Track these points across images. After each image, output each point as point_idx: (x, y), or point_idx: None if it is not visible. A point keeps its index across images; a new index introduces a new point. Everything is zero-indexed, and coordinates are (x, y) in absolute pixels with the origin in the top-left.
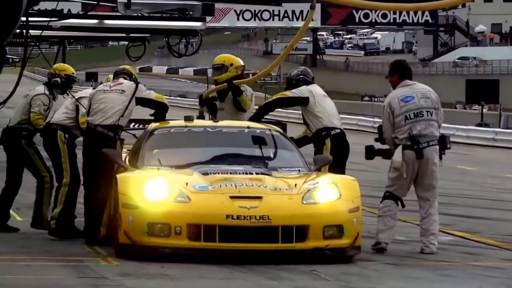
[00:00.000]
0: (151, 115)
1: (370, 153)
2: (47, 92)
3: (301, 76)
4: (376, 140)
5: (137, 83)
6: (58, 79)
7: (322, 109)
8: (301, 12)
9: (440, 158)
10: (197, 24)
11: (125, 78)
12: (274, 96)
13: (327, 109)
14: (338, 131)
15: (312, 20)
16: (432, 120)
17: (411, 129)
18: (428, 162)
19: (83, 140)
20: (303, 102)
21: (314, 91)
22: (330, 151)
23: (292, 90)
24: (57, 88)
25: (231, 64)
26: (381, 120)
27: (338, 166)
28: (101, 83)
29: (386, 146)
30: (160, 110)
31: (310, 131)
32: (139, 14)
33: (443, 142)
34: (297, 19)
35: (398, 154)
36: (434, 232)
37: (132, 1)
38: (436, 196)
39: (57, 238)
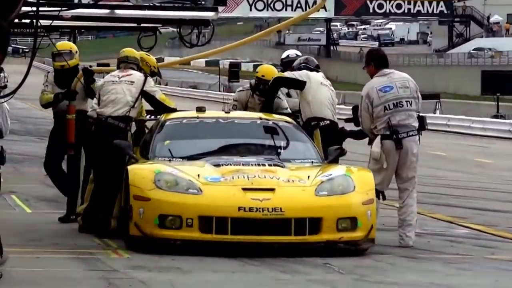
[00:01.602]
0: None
1: (342, 135)
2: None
3: (303, 64)
4: (347, 120)
5: (146, 75)
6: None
7: (313, 97)
8: (314, 2)
9: (418, 139)
10: (209, 14)
11: (134, 68)
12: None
13: (319, 97)
14: (327, 122)
15: (326, 10)
16: (411, 110)
17: (390, 119)
18: (408, 152)
19: (94, 131)
20: (300, 85)
21: (312, 77)
22: (321, 142)
23: (292, 72)
24: None
25: (76, 51)
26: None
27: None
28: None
29: (358, 128)
30: (161, 111)
31: (301, 119)
32: (151, 4)
33: (421, 123)
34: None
35: (376, 144)
36: (411, 223)
37: None
38: (415, 186)
39: (86, 233)
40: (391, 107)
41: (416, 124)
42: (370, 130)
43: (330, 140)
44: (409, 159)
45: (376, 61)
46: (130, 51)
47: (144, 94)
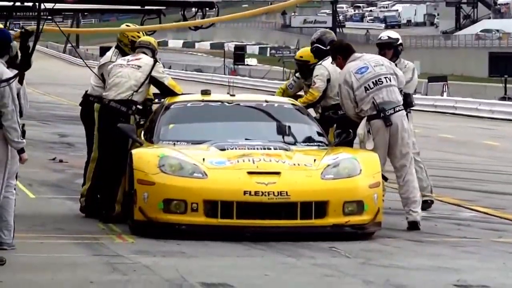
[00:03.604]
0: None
1: (331, 120)
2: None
3: (315, 46)
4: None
5: (155, 60)
6: None
7: (332, 91)
8: None
9: (406, 114)
10: None
11: (146, 54)
12: (307, 98)
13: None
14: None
15: None
16: (392, 86)
17: (374, 98)
18: (398, 129)
19: (98, 115)
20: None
21: (330, 70)
22: (335, 129)
23: (317, 84)
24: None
25: None
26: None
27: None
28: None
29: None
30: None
31: (319, 107)
32: None
33: (407, 101)
34: None
35: (361, 126)
36: (415, 199)
37: None
38: (412, 162)
39: (87, 215)
40: (371, 86)
41: (400, 99)
42: (355, 115)
43: (347, 127)
44: (400, 136)
45: (342, 53)
46: (145, 38)
47: (152, 79)
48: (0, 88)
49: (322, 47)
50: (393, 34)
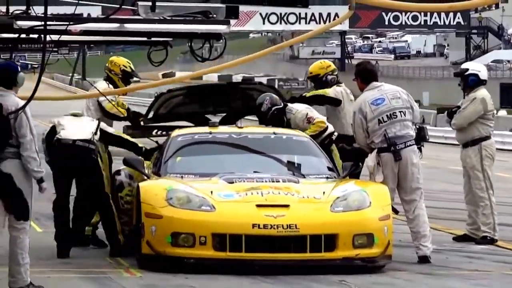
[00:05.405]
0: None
1: (344, 151)
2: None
3: (275, 109)
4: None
5: (99, 120)
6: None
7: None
8: (329, 14)
9: (420, 150)
10: (221, 27)
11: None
12: (315, 130)
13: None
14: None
15: (340, 23)
16: (406, 120)
17: (386, 132)
18: (407, 163)
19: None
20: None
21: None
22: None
23: (315, 118)
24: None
25: None
26: None
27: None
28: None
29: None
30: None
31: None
32: (161, 18)
33: (421, 134)
34: (325, 22)
35: (371, 158)
36: (425, 233)
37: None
38: (421, 197)
39: (96, 247)
40: (385, 119)
41: (413, 134)
42: (366, 145)
43: (352, 159)
44: (409, 170)
45: (362, 76)
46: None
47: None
48: (13, 118)
49: (281, 107)
50: (465, 64)
